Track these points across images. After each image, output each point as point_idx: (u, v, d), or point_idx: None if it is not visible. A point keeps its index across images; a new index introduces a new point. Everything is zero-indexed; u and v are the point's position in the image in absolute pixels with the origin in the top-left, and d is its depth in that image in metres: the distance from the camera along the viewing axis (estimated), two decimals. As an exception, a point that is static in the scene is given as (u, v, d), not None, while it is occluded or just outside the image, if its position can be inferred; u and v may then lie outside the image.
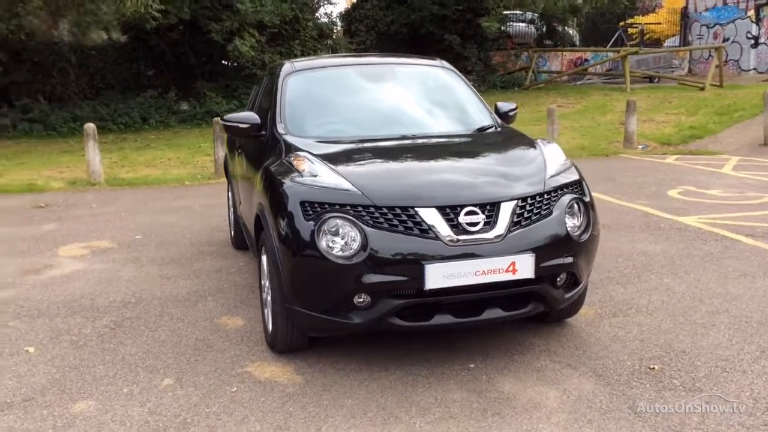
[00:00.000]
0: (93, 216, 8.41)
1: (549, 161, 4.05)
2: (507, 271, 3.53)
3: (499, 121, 4.93)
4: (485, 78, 24.05)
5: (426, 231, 3.51)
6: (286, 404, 3.50)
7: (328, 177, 3.73)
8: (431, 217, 3.53)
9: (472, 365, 3.92)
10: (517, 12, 27.54)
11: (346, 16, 25.28)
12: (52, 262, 6.29)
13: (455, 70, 5.28)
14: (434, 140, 4.46)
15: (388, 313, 3.56)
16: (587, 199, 3.98)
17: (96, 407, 3.51)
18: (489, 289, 3.59)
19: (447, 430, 3.23)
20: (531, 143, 4.33)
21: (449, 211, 3.56)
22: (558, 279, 3.80)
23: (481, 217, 3.58)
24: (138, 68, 22.11)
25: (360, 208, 3.57)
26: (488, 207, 3.62)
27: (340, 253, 3.50)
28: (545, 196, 3.79)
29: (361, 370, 3.87)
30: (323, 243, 3.52)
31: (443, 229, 3.52)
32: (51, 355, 4.19)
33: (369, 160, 4.02)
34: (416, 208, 3.55)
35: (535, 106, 18.66)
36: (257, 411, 3.44)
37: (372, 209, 3.56)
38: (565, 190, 3.90)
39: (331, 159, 3.95)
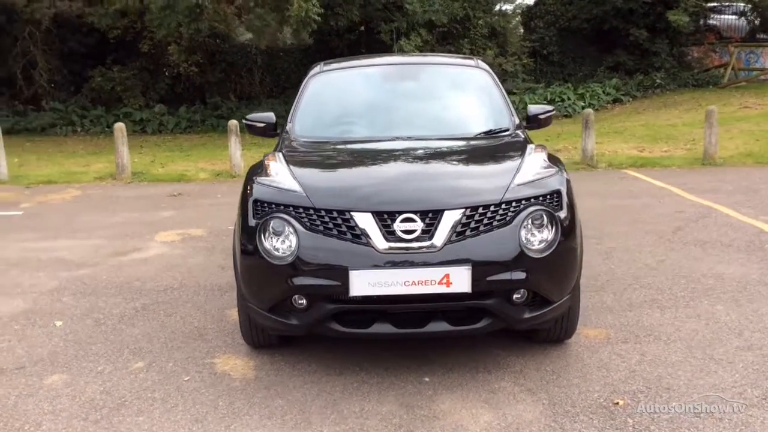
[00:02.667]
0: (212, 205, 9.07)
1: (523, 170, 3.74)
2: (440, 283, 3.35)
3: (516, 124, 4.61)
4: (676, 76, 22.33)
5: (359, 236, 3.43)
6: (220, 398, 3.60)
7: (284, 178, 3.76)
8: (366, 222, 3.44)
9: (427, 378, 3.75)
10: (726, 3, 25.23)
11: (527, 12, 24.67)
12: (142, 246, 6.91)
13: (489, 70, 5.03)
14: (421, 144, 4.30)
15: (324, 317, 3.52)
16: (560, 212, 3.62)
17: (63, 381, 3.85)
18: (423, 300, 3.43)
19: (349, 442, 3.16)
20: (519, 150, 4.03)
21: (387, 217, 3.44)
22: (515, 296, 3.52)
23: (418, 225, 3.42)
24: (320, 68, 23.26)
25: (301, 210, 3.57)
26: (430, 215, 3.44)
27: (277, 254, 3.53)
28: (502, 206, 3.52)
29: (316, 372, 3.86)
30: (266, 243, 3.57)
31: (376, 235, 3.41)
32: (70, 330, 4.64)
33: (334, 163, 4.00)
34: (352, 213, 3.47)
35: (720, 107, 16.99)
36: (190, 401, 3.58)
37: (311, 211, 3.54)
38: (532, 201, 3.59)
39: (301, 160, 3.98)
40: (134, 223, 8.01)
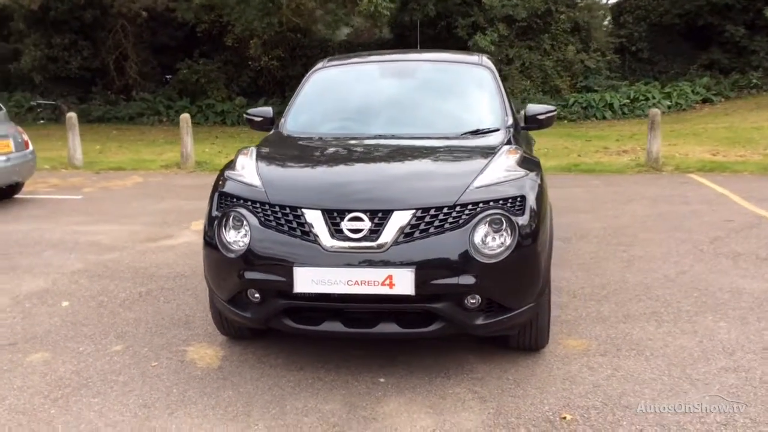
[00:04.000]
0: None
1: (487, 173, 3.62)
2: (383, 284, 3.30)
3: (509, 124, 4.46)
4: (774, 76, 21.06)
5: (307, 233, 3.43)
6: (176, 385, 3.69)
7: (248, 173, 3.80)
8: (315, 219, 3.43)
9: (382, 379, 3.71)
10: None
11: (616, 7, 23.84)
12: (174, 233, 7.16)
13: (492, 68, 4.87)
14: (398, 142, 4.23)
15: (276, 312, 3.55)
16: (521, 218, 3.48)
17: (43, 359, 4.04)
18: (367, 301, 3.39)
19: (278, 437, 3.17)
20: (492, 151, 3.90)
21: (336, 215, 3.43)
22: (468, 301, 3.42)
23: (366, 225, 3.38)
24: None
25: (258, 205, 3.60)
26: (380, 214, 3.40)
27: (232, 247, 3.58)
28: (456, 209, 3.43)
29: (278, 367, 3.89)
30: (224, 235, 3.63)
31: (323, 232, 3.40)
32: (72, 311, 4.86)
33: (301, 159, 4.02)
34: (303, 209, 3.47)
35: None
36: (147, 386, 3.68)
37: (267, 206, 3.57)
38: (491, 204, 3.47)
39: (270, 156, 4.01)
40: (177, 211, 8.30)
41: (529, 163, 3.87)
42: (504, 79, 18.05)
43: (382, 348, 4.04)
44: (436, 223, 3.40)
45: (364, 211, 3.40)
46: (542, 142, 14.37)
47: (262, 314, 3.59)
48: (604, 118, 19.12)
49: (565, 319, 4.52)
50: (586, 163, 11.67)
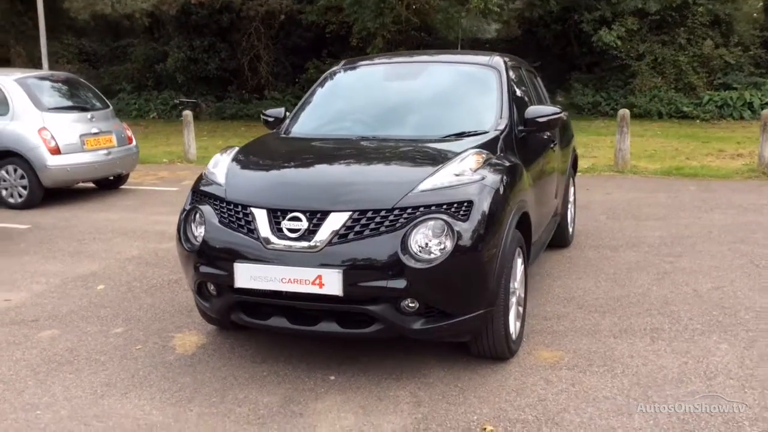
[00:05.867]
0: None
1: (437, 176, 3.56)
2: (313, 283, 3.36)
3: (503, 126, 4.31)
4: None
5: (252, 231, 3.56)
6: (143, 368, 3.94)
7: (219, 171, 3.99)
8: (260, 217, 3.55)
9: (333, 377, 3.77)
10: None
11: (767, -2, 21.90)
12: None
13: (501, 69, 4.68)
14: (375, 144, 4.23)
15: (230, 306, 3.71)
16: (464, 223, 3.39)
17: (50, 336, 4.45)
18: (299, 299, 3.47)
19: (213, 424, 3.32)
20: (451, 155, 3.82)
21: (279, 215, 3.53)
22: (406, 304, 3.40)
23: (303, 225, 3.45)
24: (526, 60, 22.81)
25: (218, 202, 3.78)
26: (319, 215, 3.46)
27: (192, 241, 3.79)
28: (394, 212, 3.41)
29: (243, 358, 4.05)
30: (188, 230, 3.85)
31: (265, 231, 3.51)
32: (103, 294, 5.29)
33: (271, 159, 4.14)
34: (251, 208, 3.61)
35: None
36: (119, 367, 3.96)
37: (224, 204, 3.74)
38: (433, 209, 3.42)
39: (247, 155, 4.18)
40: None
41: (494, 168, 3.75)
42: (632, 75, 17.17)
43: (349, 347, 4.09)
44: (372, 225, 3.41)
45: (303, 212, 3.48)
46: (653, 143, 13.62)
47: (218, 306, 3.77)
48: (742, 118, 17.67)
49: (554, 330, 4.35)
50: (691, 167, 10.91)
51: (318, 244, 3.41)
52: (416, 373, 3.79)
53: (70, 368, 3.98)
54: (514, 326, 3.90)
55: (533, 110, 4.48)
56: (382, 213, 3.42)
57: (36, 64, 23.58)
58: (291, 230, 3.47)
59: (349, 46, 21.41)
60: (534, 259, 4.82)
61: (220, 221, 3.70)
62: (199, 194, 3.94)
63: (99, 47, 26.45)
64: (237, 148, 4.29)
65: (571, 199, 6.46)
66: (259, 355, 4.08)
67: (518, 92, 4.88)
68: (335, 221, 3.42)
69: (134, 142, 9.98)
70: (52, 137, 8.67)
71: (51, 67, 23.56)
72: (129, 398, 3.61)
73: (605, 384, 3.60)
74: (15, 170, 8.70)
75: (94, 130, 9.20)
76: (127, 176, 10.21)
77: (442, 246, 3.37)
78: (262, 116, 5.19)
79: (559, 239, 6.10)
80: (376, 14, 15.82)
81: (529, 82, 5.51)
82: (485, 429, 3.20)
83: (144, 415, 3.42)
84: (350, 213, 3.43)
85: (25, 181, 8.67)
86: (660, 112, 18.23)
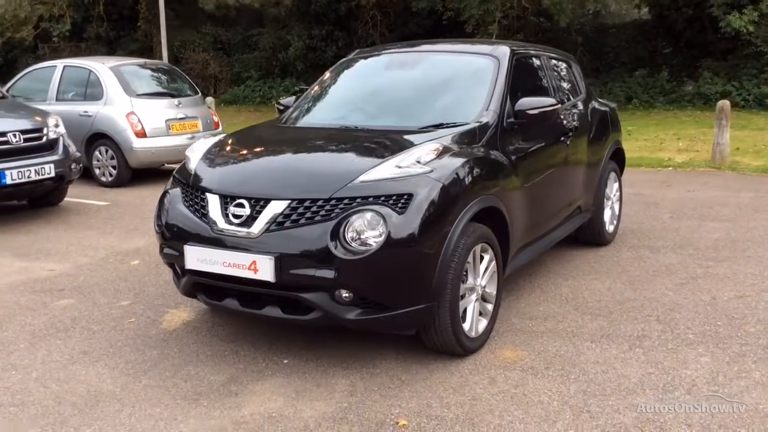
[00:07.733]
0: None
1: (382, 167, 3.53)
2: (249, 268, 3.46)
3: (490, 117, 4.18)
4: None
5: (205, 215, 3.70)
6: (122, 340, 4.20)
7: (195, 157, 4.17)
8: (213, 203, 3.69)
9: (286, 361, 3.86)
10: None
11: None
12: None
13: (502, 59, 4.50)
14: (344, 134, 4.23)
15: (192, 286, 3.87)
16: (399, 216, 3.35)
17: (64, 305, 4.83)
18: (238, 283, 3.57)
19: (153, 397, 3.51)
20: (407, 146, 3.75)
21: (228, 201, 3.65)
22: (341, 294, 3.42)
23: (245, 211, 3.55)
24: (655, 46, 21.62)
25: (185, 187, 3.96)
26: (261, 202, 3.54)
27: (159, 222, 4.00)
28: (331, 202, 3.43)
29: (215, 337, 4.21)
30: (161, 212, 4.05)
31: (215, 216, 3.64)
32: (134, 269, 5.65)
33: (244, 146, 4.24)
34: (206, 193, 3.75)
35: None
36: (103, 337, 4.25)
37: (188, 188, 3.91)
38: (370, 200, 3.40)
39: (226, 142, 4.34)
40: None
41: (450, 160, 3.66)
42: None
43: (322, 333, 4.14)
44: (308, 215, 3.45)
45: (248, 198, 3.58)
46: (764, 139, 12.50)
47: (183, 287, 3.95)
48: None
49: (532, 330, 4.19)
50: (799, 165, 9.96)
51: (256, 230, 3.49)
52: (367, 363, 3.79)
53: (63, 335, 4.31)
54: (472, 323, 3.80)
55: (525, 101, 4.31)
56: (319, 203, 3.45)
57: (175, 52, 25.28)
58: (235, 216, 3.58)
59: (465, 34, 21.22)
60: (532, 256, 4.66)
61: (183, 205, 3.87)
62: (175, 178, 4.14)
63: (233, 36, 27.81)
64: (220, 136, 4.46)
65: (613, 195, 6.12)
66: (231, 335, 4.23)
67: (523, 83, 4.70)
68: (274, 209, 3.49)
69: (221, 128, 10.49)
70: (139, 121, 9.30)
71: (184, 56, 25.15)
72: (95, 366, 3.87)
73: (549, 389, 3.44)
74: (106, 151, 9.43)
75: (180, 116, 9.78)
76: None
77: (378, 238, 3.35)
78: (277, 105, 5.33)
79: (591, 237, 5.81)
80: (480, 1, 15.56)
81: (552, 73, 5.27)
82: (398, 423, 3.16)
83: (98, 383, 3.66)
84: (289, 201, 3.49)
85: (114, 162, 9.38)
86: (794, 106, 16.67)
